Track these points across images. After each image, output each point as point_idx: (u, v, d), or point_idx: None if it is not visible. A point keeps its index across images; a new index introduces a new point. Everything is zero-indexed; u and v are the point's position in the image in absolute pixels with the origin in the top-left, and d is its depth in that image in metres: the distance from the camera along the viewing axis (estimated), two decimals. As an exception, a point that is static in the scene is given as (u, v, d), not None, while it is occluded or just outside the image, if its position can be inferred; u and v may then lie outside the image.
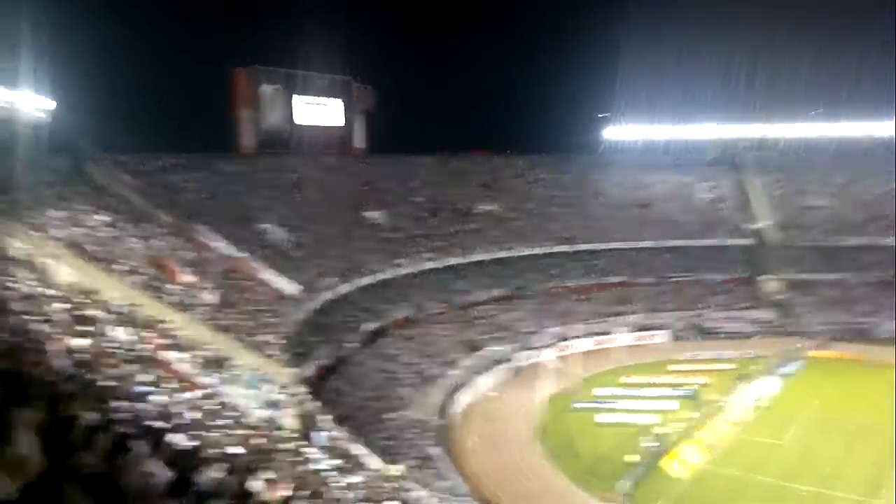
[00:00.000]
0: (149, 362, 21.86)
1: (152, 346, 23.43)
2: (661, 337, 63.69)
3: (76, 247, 30.19)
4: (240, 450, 15.81)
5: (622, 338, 58.43)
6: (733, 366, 54.92)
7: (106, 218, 37.92)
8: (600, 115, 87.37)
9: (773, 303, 70.76)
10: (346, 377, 41.96)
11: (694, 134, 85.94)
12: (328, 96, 73.73)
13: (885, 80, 78.44)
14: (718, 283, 73.01)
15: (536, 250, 70.70)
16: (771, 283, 72.87)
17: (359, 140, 76.82)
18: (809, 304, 69.84)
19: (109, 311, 25.00)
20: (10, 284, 19.40)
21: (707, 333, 66.64)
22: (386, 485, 22.73)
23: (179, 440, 11.16)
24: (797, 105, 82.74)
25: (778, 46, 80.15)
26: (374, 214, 66.08)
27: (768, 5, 79.44)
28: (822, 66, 79.28)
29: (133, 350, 21.91)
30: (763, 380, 50.13)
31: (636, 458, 36.18)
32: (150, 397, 15.58)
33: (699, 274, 73.73)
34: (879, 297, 69.20)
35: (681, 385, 50.03)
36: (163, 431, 10.93)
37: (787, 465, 36.79)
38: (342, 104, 74.74)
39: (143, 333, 24.31)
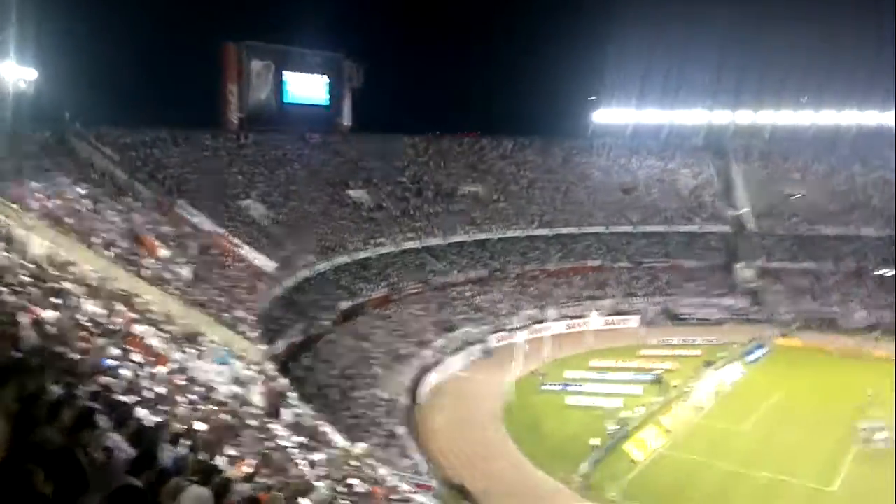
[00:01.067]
0: (119, 336, 22.50)
1: (124, 319, 24.01)
2: (633, 321, 64.84)
3: (54, 219, 30.61)
4: (205, 426, 16.39)
5: (595, 321, 59.47)
6: (700, 352, 56.29)
7: (85, 191, 38.31)
8: (590, 98, 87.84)
9: (747, 290, 72.07)
10: (317, 355, 42.72)
11: (681, 119, 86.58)
12: (318, 73, 73.67)
13: (869, 70, 79.51)
14: (694, 270, 74.22)
15: (517, 233, 71.54)
16: (745, 271, 74.13)
17: (347, 118, 76.93)
18: (781, 293, 71.20)
19: (83, 284, 25.57)
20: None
21: (679, 319, 67.93)
22: (349, 463, 23.56)
23: (145, 416, 11.78)
24: (783, 93, 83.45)
25: (765, 34, 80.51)
26: (357, 193, 66.56)
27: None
28: (809, 55, 79.75)
29: (104, 324, 22.53)
30: (729, 366, 51.43)
31: (599, 440, 37.32)
32: (119, 371, 16.09)
33: (676, 260, 74.92)
34: (850, 287, 70.75)
35: (648, 370, 51.29)
36: (128, 406, 11.39)
37: (746, 451, 37.86)
38: (331, 81, 74.70)
39: (116, 307, 24.88)
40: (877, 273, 71.33)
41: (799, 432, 40.58)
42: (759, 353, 57.08)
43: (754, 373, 52.51)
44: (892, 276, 70.49)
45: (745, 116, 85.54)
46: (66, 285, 23.42)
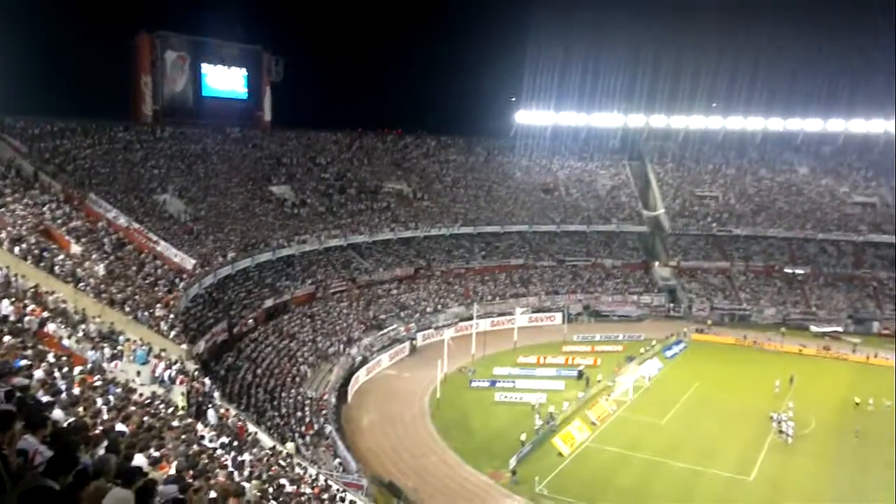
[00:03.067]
0: (32, 335, 21.18)
1: (36, 318, 22.64)
2: (557, 318, 65.91)
3: (-46, 213, 28.59)
4: (126, 427, 15.61)
5: (520, 319, 60.16)
6: (621, 348, 57.76)
7: (-11, 183, 35.94)
8: (510, 99, 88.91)
9: (664, 288, 74.47)
10: (241, 354, 41.48)
11: (599, 122, 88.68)
12: (236, 65, 71.61)
13: (774, 78, 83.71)
14: (614, 268, 76.18)
15: (442, 231, 71.65)
16: (663, 270, 76.61)
17: (267, 112, 75.15)
18: (696, 290, 73.93)
19: (-10, 282, 23.96)
20: None
21: (601, 316, 69.72)
22: (277, 463, 22.88)
23: (61, 417, 11.04)
24: (694, 99, 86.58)
25: (677, 42, 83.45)
26: (280, 189, 65.11)
27: (673, 2, 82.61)
28: (718, 63, 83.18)
29: (16, 322, 21.15)
30: (649, 361, 52.90)
31: (526, 435, 37.64)
32: (33, 371, 15.16)
33: (596, 258, 76.71)
34: (761, 285, 74.23)
35: (572, 366, 52.27)
36: (44, 407, 10.75)
37: (666, 443, 39.09)
38: (250, 74, 72.80)
39: (28, 305, 23.43)
40: (785, 271, 75.12)
41: (717, 424, 42.30)
42: (677, 349, 59.06)
43: (673, 367, 54.26)
44: (799, 274, 74.44)
45: (659, 121, 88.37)
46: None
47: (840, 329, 67.16)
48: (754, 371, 53.43)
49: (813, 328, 66.95)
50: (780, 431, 40.02)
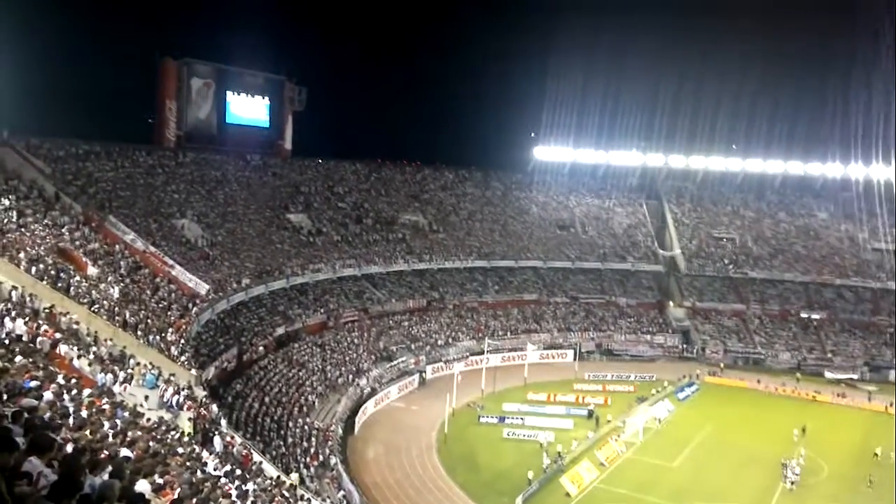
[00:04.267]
0: (44, 356, 21.36)
1: (49, 339, 22.85)
2: (569, 356, 65.44)
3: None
4: (131, 452, 15.63)
5: (532, 355, 59.83)
6: (633, 388, 57.16)
7: (11, 203, 36.55)
8: (531, 135, 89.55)
9: (678, 328, 73.86)
10: (250, 381, 41.47)
11: (617, 160, 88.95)
12: (259, 94, 72.75)
13: (794, 122, 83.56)
14: (628, 307, 75.74)
15: (456, 264, 71.74)
16: (677, 310, 76.08)
17: (288, 141, 76.10)
18: (710, 332, 73.26)
19: (5, 301, 24.26)
20: None
21: (613, 355, 69.18)
22: (281, 493, 22.76)
23: (67, 440, 11.09)
24: (714, 140, 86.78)
25: (701, 80, 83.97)
26: (296, 217, 65.63)
27: (694, 43, 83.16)
28: (739, 105, 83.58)
29: (28, 342, 21.36)
30: (660, 403, 52.30)
31: (533, 474, 37.22)
32: (41, 393, 15.26)
33: (610, 296, 76.36)
34: (776, 329, 73.48)
35: (582, 404, 51.74)
36: (51, 430, 10.78)
37: (676, 486, 38.56)
38: (273, 103, 73.89)
39: (41, 326, 23.67)
40: (801, 316, 74.36)
41: (728, 468, 41.67)
42: (689, 391, 58.36)
43: (685, 409, 53.58)
44: (815, 319, 73.63)
45: (678, 161, 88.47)
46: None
47: (856, 376, 66.14)
48: (767, 416, 52.68)
49: (828, 374, 66.01)
50: (785, 477, 39.39)
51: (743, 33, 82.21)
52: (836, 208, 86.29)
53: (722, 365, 67.12)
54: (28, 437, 7.39)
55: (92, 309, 29.50)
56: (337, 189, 74.66)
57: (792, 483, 38.64)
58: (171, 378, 27.19)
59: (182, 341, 32.82)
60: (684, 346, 72.13)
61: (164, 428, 21.18)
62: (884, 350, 69.93)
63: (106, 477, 8.59)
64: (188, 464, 19.44)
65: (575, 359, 63.64)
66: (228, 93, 69.84)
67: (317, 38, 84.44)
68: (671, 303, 77.25)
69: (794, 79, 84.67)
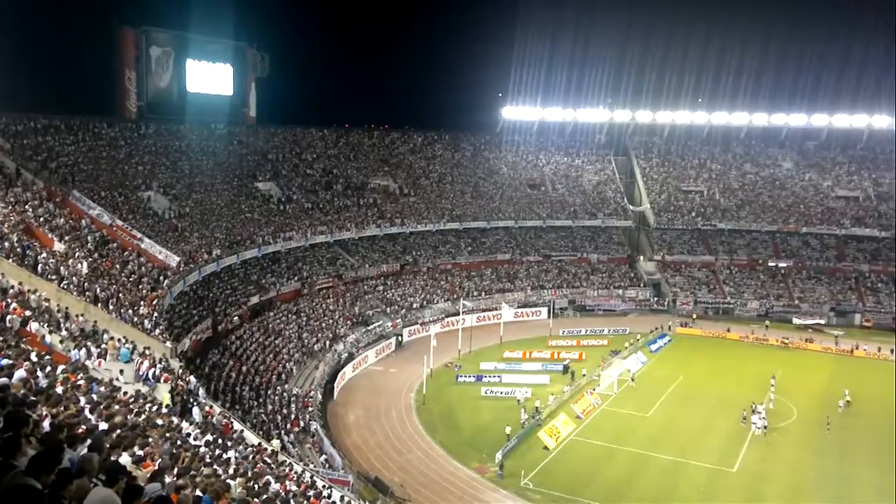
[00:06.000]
0: (14, 334, 21.12)
1: (19, 317, 22.56)
2: (543, 313, 66.20)
3: (-66, 211, 28.38)
4: (109, 425, 15.61)
5: (506, 314, 60.45)
6: (606, 342, 58.11)
7: (-30, 180, 35.67)
8: (498, 95, 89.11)
9: (649, 282, 74.95)
10: (227, 351, 41.38)
11: (585, 118, 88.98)
12: (221, 62, 71.12)
13: (758, 74, 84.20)
14: (599, 263, 76.58)
15: (428, 227, 71.75)
16: (647, 264, 77.12)
17: (252, 108, 74.85)
18: (680, 284, 74.45)
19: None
20: None
21: (586, 310, 70.17)
22: (261, 460, 22.92)
23: (44, 416, 11.06)
24: (679, 94, 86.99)
25: (665, 35, 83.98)
26: (265, 185, 64.92)
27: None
28: (703, 58, 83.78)
29: (-3, 321, 21.10)
30: (633, 355, 53.27)
31: (512, 429, 37.88)
32: (14, 371, 15.14)
33: (582, 253, 77.09)
34: (745, 279, 74.90)
35: (557, 360, 52.52)
36: (27, 406, 10.73)
37: (650, 435, 39.53)
38: (236, 70, 72.39)
39: (10, 304, 23.34)
40: (768, 265, 75.81)
41: (700, 417, 42.76)
42: (661, 342, 59.46)
43: (657, 361, 54.67)
44: (782, 267, 75.13)
45: (645, 116, 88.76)
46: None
47: (823, 321, 67.88)
48: (738, 364, 54.07)
49: (796, 321, 67.61)
50: (744, 419, 40.68)
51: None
52: (800, 157, 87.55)
53: (694, 315, 68.37)
54: (3, 415, 7.34)
55: (61, 285, 29.11)
56: (305, 156, 73.87)
57: (762, 428, 39.77)
58: (147, 351, 27.04)
59: (155, 314, 32.55)
60: (655, 298, 73.28)
61: (141, 401, 21.15)
62: (849, 295, 71.79)
63: (85, 451, 8.59)
64: (168, 435, 19.48)
65: (549, 316, 64.43)
66: (189, 61, 68.14)
67: (278, 3, 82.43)
68: (641, 257, 78.29)
69: (758, 30, 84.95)
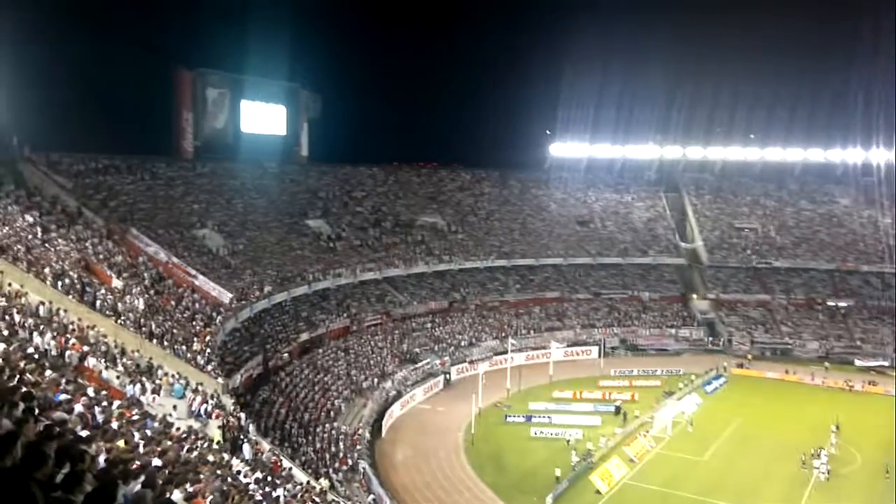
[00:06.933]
0: (72, 369, 21.54)
1: (77, 352, 23.06)
2: (593, 352, 65.05)
3: (1, 248, 29.41)
4: (162, 461, 15.69)
5: (556, 352, 59.54)
6: (659, 382, 56.69)
7: (35, 219, 37.01)
8: (546, 132, 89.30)
9: (703, 321, 73.16)
10: (276, 388, 41.62)
11: (634, 154, 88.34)
12: (275, 102, 73.09)
13: (812, 110, 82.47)
14: (651, 301, 75.16)
15: (476, 264, 71.61)
16: (701, 303, 75.38)
17: (304, 147, 76.49)
18: (735, 324, 72.48)
19: (32, 316, 24.50)
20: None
21: (638, 350, 68.70)
22: (312, 499, 22.78)
23: (100, 451, 11.14)
24: (732, 130, 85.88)
25: (717, 70, 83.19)
26: (316, 223, 65.88)
27: (709, 34, 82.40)
28: (756, 94, 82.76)
29: (57, 356, 21.55)
30: (688, 396, 51.80)
31: (563, 472, 37.00)
32: (72, 406, 15.36)
33: (633, 291, 75.83)
34: (803, 318, 72.55)
35: (609, 401, 51.39)
36: (83, 441, 10.82)
37: (706, 480, 38.07)
38: (289, 111, 74.21)
39: (69, 339, 23.89)
40: (827, 304, 73.37)
41: (758, 461, 41.04)
42: (717, 383, 57.72)
43: (713, 402, 53.02)
44: (842, 307, 72.63)
45: (695, 152, 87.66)
46: (17, 317, 22.46)
47: (886, 363, 65.10)
48: (797, 407, 52.01)
49: (857, 362, 65.02)
50: (804, 464, 38.95)
51: (758, 21, 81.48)
52: (858, 194, 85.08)
53: (749, 356, 66.35)
54: (61, 448, 7.39)
55: (118, 321, 29.75)
56: (354, 193, 74.87)
57: (826, 472, 38.02)
58: (199, 387, 27.33)
59: (208, 350, 33.01)
60: (710, 338, 71.37)
61: (193, 437, 21.27)
62: (914, 336, 68.87)
63: (138, 487, 8.60)
64: (218, 472, 19.51)
65: (600, 355, 63.24)
66: (244, 101, 70.18)
67: (330, 45, 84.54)
68: (695, 295, 76.53)
69: (811, 65, 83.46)
